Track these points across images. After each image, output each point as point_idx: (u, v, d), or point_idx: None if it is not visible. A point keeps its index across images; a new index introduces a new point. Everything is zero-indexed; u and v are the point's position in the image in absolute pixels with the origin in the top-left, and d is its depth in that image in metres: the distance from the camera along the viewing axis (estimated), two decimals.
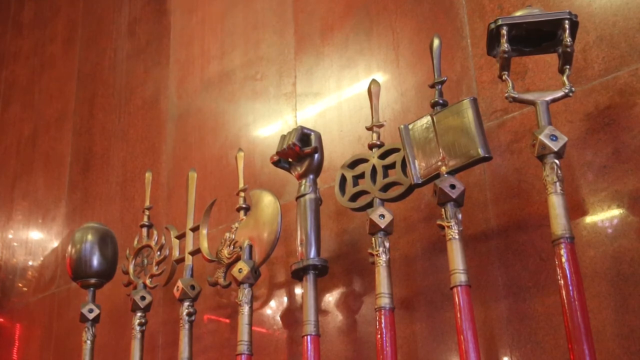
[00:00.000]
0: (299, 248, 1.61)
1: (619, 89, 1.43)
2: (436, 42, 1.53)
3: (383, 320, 1.43)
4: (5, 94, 3.21)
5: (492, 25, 1.38)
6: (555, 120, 1.41)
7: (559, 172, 1.29)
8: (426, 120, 1.48)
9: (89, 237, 1.97)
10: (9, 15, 3.36)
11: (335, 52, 1.97)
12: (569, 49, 1.34)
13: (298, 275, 1.61)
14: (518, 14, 1.38)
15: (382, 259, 1.47)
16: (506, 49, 1.36)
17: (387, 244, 1.49)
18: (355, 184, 1.61)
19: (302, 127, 1.67)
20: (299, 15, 2.11)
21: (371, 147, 1.60)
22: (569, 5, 1.54)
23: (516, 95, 1.37)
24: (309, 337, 1.54)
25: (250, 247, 1.72)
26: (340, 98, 1.91)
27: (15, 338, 2.64)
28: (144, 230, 1.99)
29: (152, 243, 1.95)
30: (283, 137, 1.68)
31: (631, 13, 1.45)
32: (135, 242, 1.99)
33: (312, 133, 1.67)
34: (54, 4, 3.12)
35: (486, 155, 1.37)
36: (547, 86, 1.50)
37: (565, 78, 1.36)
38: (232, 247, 1.76)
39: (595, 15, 1.50)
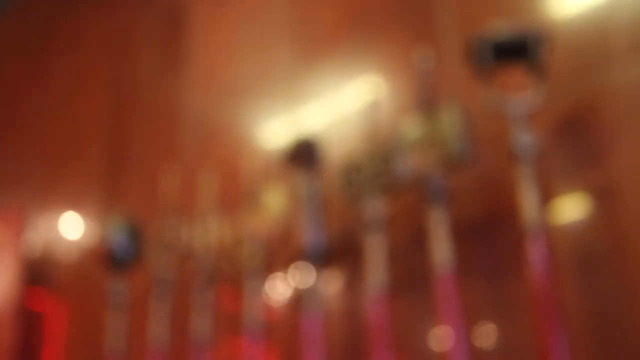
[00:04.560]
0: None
1: (587, 93, 1.61)
2: (423, 56, 1.73)
3: (377, 305, 1.65)
4: (45, 101, 3.50)
5: (473, 43, 1.57)
6: (530, 121, 1.59)
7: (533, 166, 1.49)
8: (414, 125, 1.69)
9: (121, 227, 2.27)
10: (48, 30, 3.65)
11: (340, 61, 2.20)
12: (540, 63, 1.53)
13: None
14: (496, 30, 1.57)
15: (376, 247, 1.70)
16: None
17: (381, 233, 1.71)
18: (354, 180, 1.82)
19: (304, 136, 1.93)
20: (302, 29, 2.36)
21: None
22: (538, 16, 1.72)
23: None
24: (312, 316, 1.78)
25: None
26: (343, 104, 2.13)
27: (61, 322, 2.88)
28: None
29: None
30: (288, 148, 1.94)
31: (597, 22, 1.64)
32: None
33: (314, 139, 1.92)
34: (86, 22, 3.41)
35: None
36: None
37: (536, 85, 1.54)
38: None
39: (564, 24, 1.68)
